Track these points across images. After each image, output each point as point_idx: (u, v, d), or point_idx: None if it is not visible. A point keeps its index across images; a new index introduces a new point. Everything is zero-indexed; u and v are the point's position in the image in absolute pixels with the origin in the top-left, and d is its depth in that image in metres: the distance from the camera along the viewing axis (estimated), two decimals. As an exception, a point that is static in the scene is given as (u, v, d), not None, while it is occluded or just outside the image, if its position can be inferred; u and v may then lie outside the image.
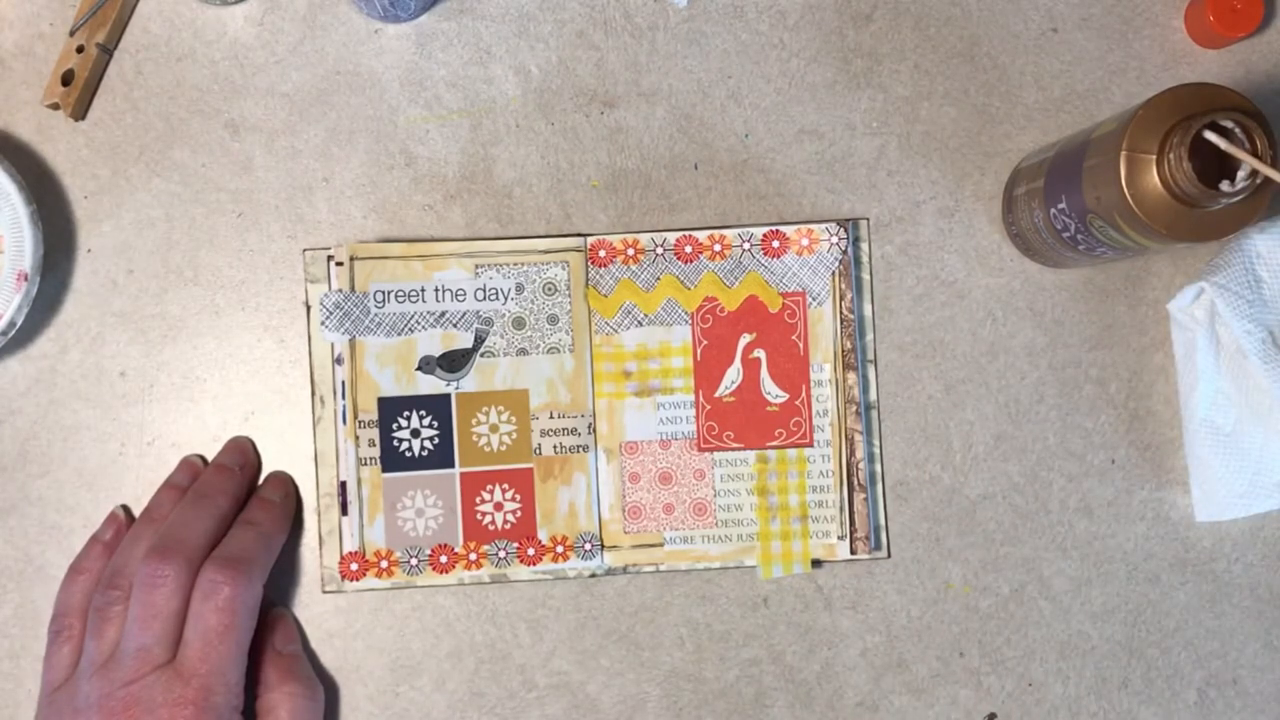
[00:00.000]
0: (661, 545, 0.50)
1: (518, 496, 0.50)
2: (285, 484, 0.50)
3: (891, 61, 0.52)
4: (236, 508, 0.48)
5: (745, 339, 0.51)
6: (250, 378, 0.51)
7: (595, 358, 0.50)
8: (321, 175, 0.51)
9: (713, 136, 0.51)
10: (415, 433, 0.50)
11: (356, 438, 0.49)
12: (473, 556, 0.50)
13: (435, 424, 0.50)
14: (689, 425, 0.51)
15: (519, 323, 0.50)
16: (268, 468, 0.51)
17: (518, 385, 0.50)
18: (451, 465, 0.50)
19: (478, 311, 0.50)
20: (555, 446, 0.50)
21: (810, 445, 0.50)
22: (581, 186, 0.51)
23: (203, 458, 0.50)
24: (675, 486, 0.50)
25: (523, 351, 0.50)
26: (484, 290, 0.50)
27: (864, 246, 0.51)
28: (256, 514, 0.48)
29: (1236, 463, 0.49)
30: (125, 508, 0.50)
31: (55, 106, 0.50)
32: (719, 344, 0.51)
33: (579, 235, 0.51)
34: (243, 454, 0.50)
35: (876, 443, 0.51)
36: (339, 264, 0.49)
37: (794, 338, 0.51)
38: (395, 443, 0.49)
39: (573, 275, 0.50)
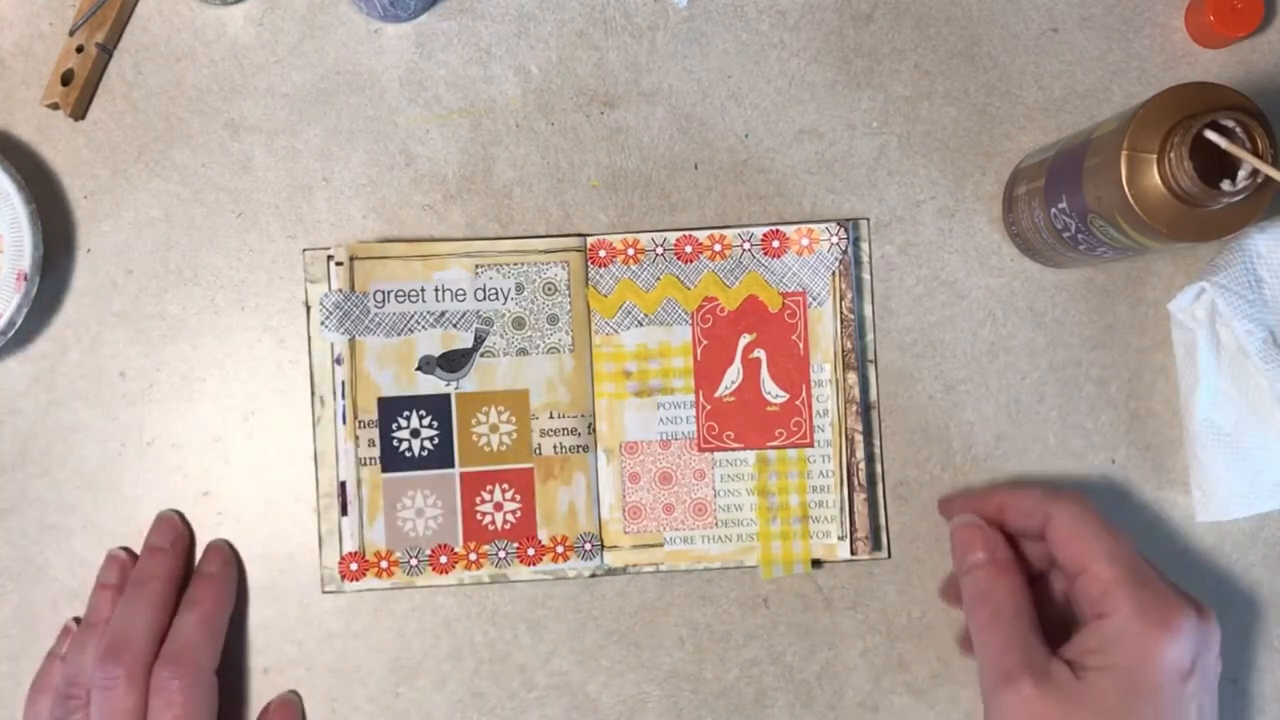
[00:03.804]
0: (661, 545, 0.50)
1: (518, 496, 0.50)
2: (222, 551, 0.50)
3: (891, 61, 0.52)
4: (176, 589, 0.48)
5: (745, 339, 0.51)
6: (250, 378, 0.51)
7: (595, 358, 0.50)
8: (321, 175, 0.51)
9: (713, 136, 0.51)
10: (415, 433, 0.49)
11: (356, 438, 0.49)
12: (473, 557, 0.50)
13: (435, 424, 0.50)
14: (689, 425, 0.51)
15: (519, 323, 0.50)
16: (267, 468, 0.50)
17: (518, 385, 0.50)
18: (451, 465, 0.50)
19: (478, 311, 0.50)
20: (555, 446, 0.50)
21: (810, 445, 0.50)
22: (581, 186, 0.51)
23: (126, 549, 0.50)
24: (675, 486, 0.50)
25: (523, 351, 0.50)
26: (484, 290, 0.50)
27: (864, 246, 0.51)
28: (197, 592, 0.48)
29: (1237, 463, 0.49)
30: (77, 619, 0.49)
31: (55, 106, 0.50)
32: (719, 344, 0.51)
33: (579, 235, 0.51)
34: (172, 529, 0.49)
35: (876, 443, 0.51)
36: (339, 264, 0.49)
37: (794, 338, 0.51)
38: (395, 443, 0.49)
39: (573, 275, 0.50)
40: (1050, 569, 0.47)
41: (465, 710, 0.50)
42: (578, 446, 0.50)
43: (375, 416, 0.49)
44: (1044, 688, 0.41)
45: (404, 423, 0.49)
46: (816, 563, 0.51)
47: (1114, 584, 0.42)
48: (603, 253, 0.50)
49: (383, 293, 0.49)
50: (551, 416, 0.50)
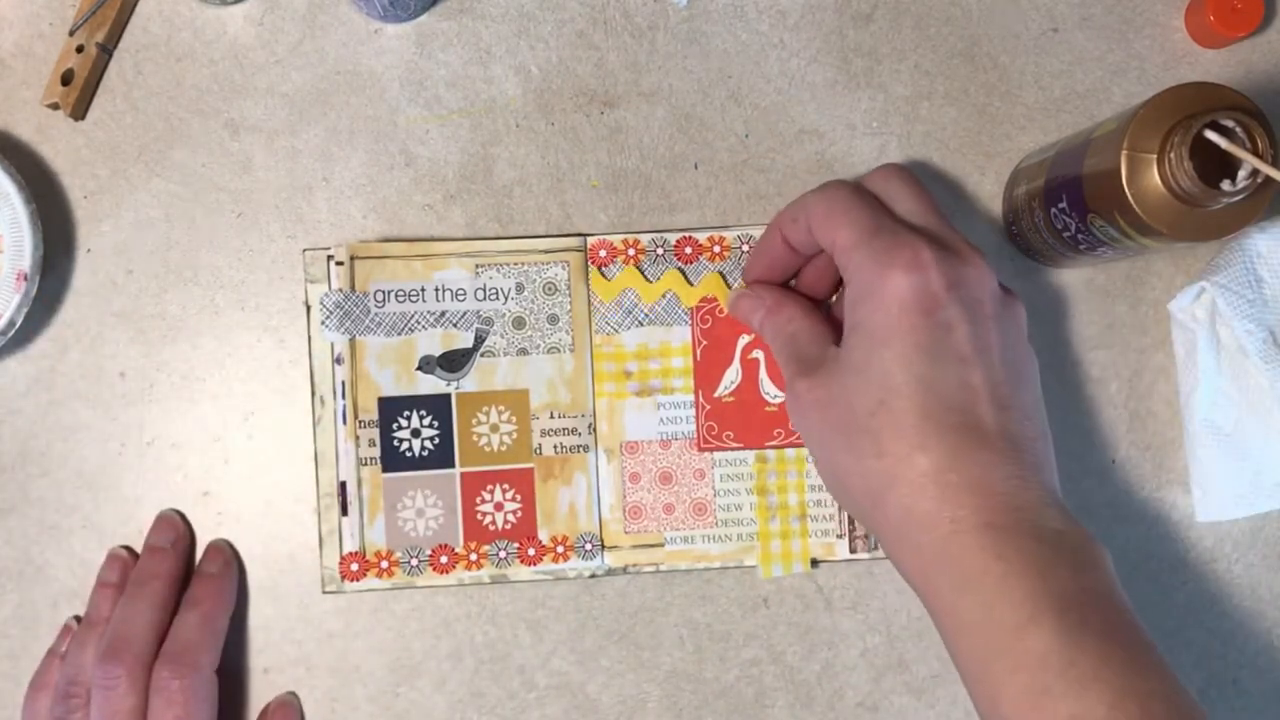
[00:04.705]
0: (662, 545, 0.50)
1: (518, 496, 0.50)
2: (223, 551, 0.50)
3: (891, 61, 0.52)
4: (176, 588, 0.48)
5: (744, 339, 0.51)
6: (250, 378, 0.51)
7: (595, 357, 0.50)
8: (321, 175, 0.51)
9: (713, 136, 0.51)
10: (415, 433, 0.50)
11: (356, 438, 0.49)
12: (473, 557, 0.50)
13: (435, 424, 0.50)
14: (689, 425, 0.51)
15: (519, 322, 0.50)
16: (267, 468, 0.50)
17: (518, 385, 0.50)
18: (452, 465, 0.50)
19: (478, 311, 0.50)
20: (555, 446, 0.50)
21: (810, 445, 0.50)
22: (581, 186, 0.51)
23: (128, 548, 0.50)
24: (675, 486, 0.50)
25: (523, 351, 0.50)
26: (484, 290, 0.50)
27: (864, 246, 0.51)
28: (198, 592, 0.48)
29: (1237, 463, 0.49)
30: (77, 618, 0.50)
31: (55, 106, 0.50)
32: (718, 344, 0.51)
33: (579, 235, 0.51)
34: (173, 529, 0.49)
35: (877, 443, 0.51)
36: (339, 264, 0.49)
37: (794, 338, 0.50)
38: (395, 443, 0.49)
39: (573, 275, 0.50)
40: None
41: (465, 710, 0.50)
42: (578, 446, 0.50)
43: (375, 416, 0.49)
44: (810, 378, 0.42)
45: (404, 423, 0.49)
46: (815, 562, 0.51)
47: (851, 245, 0.41)
48: (603, 253, 0.50)
49: (383, 292, 0.49)
50: (552, 416, 0.50)
